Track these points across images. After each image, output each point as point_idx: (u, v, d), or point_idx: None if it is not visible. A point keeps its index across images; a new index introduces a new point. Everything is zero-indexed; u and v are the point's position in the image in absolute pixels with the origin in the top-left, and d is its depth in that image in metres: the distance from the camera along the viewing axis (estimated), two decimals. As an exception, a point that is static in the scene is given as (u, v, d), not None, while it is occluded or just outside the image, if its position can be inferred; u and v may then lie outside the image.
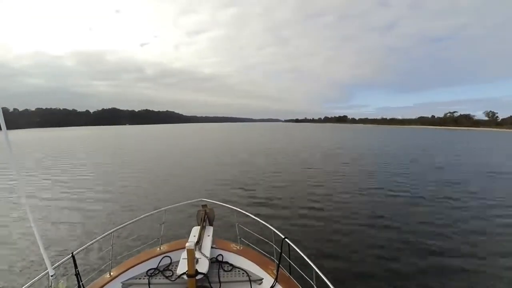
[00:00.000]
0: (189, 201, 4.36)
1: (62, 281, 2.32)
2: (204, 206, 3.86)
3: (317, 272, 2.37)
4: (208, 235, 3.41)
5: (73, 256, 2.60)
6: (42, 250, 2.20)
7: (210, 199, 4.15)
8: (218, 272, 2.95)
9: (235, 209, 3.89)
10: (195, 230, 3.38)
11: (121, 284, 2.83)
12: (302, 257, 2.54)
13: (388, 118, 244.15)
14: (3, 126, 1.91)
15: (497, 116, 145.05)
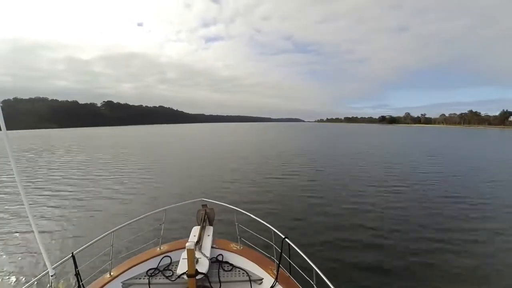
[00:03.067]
0: (189, 201, 4.36)
1: (62, 281, 2.32)
2: (204, 206, 3.85)
3: (317, 272, 2.36)
4: (208, 235, 3.40)
5: (73, 256, 2.60)
6: (42, 250, 2.20)
7: (210, 199, 4.15)
8: (218, 272, 2.94)
9: (235, 209, 3.87)
10: (195, 230, 3.38)
11: (121, 284, 2.82)
12: (302, 257, 2.53)
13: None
14: (3, 126, 1.91)
15: None
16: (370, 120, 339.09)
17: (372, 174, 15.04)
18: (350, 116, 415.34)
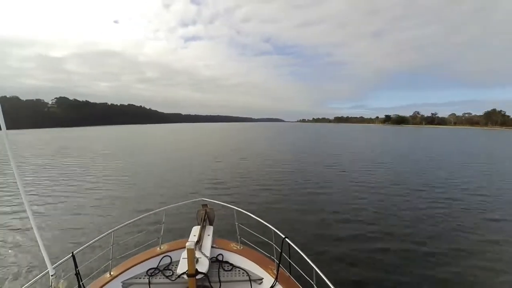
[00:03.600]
0: (189, 201, 4.37)
1: (62, 280, 2.31)
2: (204, 205, 3.86)
3: (317, 272, 2.37)
4: (208, 235, 3.41)
5: (73, 256, 2.60)
6: (42, 250, 2.19)
7: (210, 199, 4.15)
8: (218, 271, 2.95)
9: (235, 209, 3.88)
10: (195, 230, 3.39)
11: (121, 284, 2.82)
12: (302, 257, 2.54)
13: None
14: (3, 126, 1.91)
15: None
16: (362, 120, 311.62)
17: (375, 175, 15.06)
18: (340, 116, 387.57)
